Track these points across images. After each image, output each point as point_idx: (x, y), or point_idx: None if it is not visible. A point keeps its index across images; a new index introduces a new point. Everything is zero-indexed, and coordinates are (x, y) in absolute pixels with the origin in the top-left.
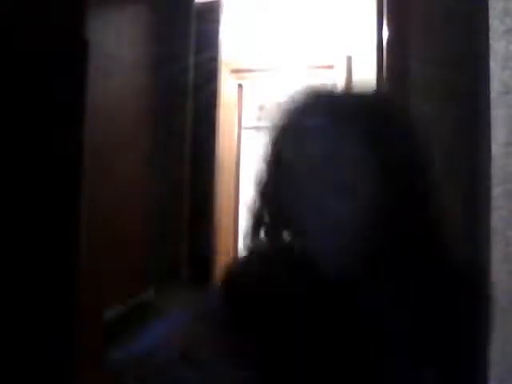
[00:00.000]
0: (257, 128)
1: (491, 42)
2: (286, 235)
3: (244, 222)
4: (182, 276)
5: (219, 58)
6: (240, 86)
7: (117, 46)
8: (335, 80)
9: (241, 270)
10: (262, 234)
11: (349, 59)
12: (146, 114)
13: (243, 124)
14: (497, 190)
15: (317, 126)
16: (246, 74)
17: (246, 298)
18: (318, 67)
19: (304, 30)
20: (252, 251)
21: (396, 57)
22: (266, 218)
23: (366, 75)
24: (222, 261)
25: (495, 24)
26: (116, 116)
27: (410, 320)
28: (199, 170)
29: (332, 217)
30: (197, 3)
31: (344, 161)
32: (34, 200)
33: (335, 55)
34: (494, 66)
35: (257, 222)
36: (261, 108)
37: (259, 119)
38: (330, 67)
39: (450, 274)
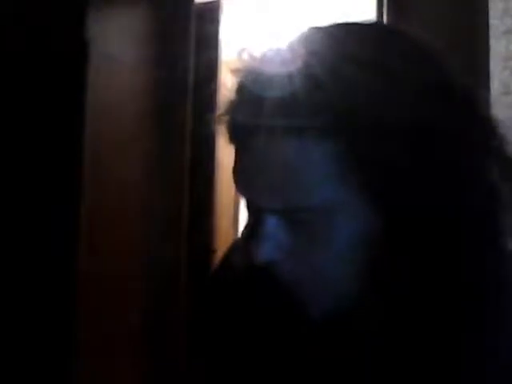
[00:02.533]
0: None
1: (491, 42)
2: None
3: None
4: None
5: (219, 58)
6: None
7: (117, 45)
8: None
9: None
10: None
11: None
12: (146, 114)
13: None
14: None
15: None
16: None
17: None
18: None
19: (304, 29)
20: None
21: None
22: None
23: None
24: None
25: (495, 24)
26: (116, 116)
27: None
28: (199, 170)
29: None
30: (197, 3)
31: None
32: (35, 200)
33: None
34: (494, 66)
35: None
36: None
37: None
38: None
39: None
